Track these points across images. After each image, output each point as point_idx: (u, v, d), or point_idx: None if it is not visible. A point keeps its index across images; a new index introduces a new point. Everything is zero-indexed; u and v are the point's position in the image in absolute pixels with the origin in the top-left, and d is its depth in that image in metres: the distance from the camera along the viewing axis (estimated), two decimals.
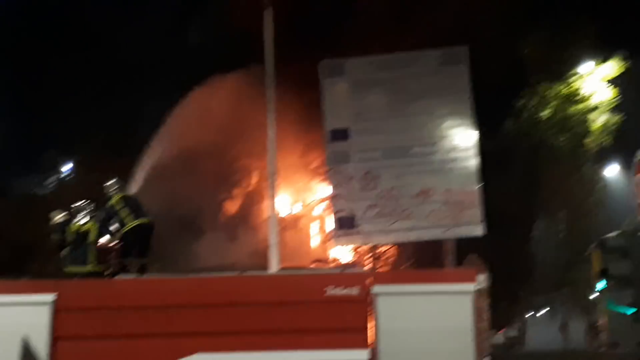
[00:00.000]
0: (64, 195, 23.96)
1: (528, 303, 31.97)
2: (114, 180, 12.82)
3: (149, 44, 28.58)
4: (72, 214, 12.24)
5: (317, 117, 17.43)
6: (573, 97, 27.61)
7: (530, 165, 26.97)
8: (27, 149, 28.69)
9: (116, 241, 12.20)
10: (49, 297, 9.59)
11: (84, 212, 12.15)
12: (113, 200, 12.35)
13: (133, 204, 12.43)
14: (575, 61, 27.87)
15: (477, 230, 15.44)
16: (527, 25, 27.08)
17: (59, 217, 12.38)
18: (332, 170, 16.30)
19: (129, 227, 12.10)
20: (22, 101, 30.29)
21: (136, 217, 12.20)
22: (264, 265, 14.30)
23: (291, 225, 25.07)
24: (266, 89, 15.41)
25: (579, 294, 28.96)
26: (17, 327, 9.46)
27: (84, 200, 12.42)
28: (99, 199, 12.79)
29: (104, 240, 12.09)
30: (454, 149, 16.02)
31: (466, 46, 16.52)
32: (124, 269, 11.74)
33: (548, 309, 34.70)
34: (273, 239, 14.39)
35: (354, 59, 17.41)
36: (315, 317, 9.56)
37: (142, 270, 11.87)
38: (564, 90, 27.60)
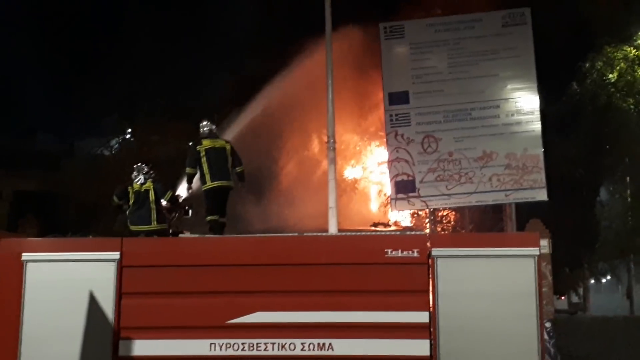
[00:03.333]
0: (127, 157, 24.47)
1: (592, 269, 31.36)
2: (206, 122, 12.56)
3: (212, 9, 28.70)
4: (136, 174, 12.35)
5: (377, 79, 17.32)
6: None
7: (595, 129, 26.24)
8: (91, 112, 29.24)
9: (179, 199, 12.35)
10: (115, 254, 9.82)
11: (145, 172, 12.28)
12: (201, 147, 12.11)
13: (218, 160, 12.14)
14: None
15: (540, 194, 15.23)
16: None
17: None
18: (392, 133, 16.20)
19: (209, 187, 12.00)
20: (86, 65, 30.85)
21: (215, 175, 12.02)
22: (323, 228, 14.34)
23: (351, 188, 25.05)
24: (325, 52, 15.28)
25: None
26: (85, 283, 9.72)
27: (144, 162, 12.49)
28: (158, 161, 12.89)
29: (166, 201, 12.18)
30: (517, 111, 15.77)
31: (529, 7, 16.13)
32: (214, 228, 11.79)
33: (612, 275, 34.04)
34: (332, 202, 14.40)
35: (414, 21, 17.21)
36: (375, 278, 9.55)
37: (220, 229, 11.93)
38: (631, 52, 26.63)
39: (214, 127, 12.56)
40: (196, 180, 12.18)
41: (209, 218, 11.95)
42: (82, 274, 9.77)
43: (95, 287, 9.72)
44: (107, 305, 9.68)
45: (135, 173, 12.28)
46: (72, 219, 24.68)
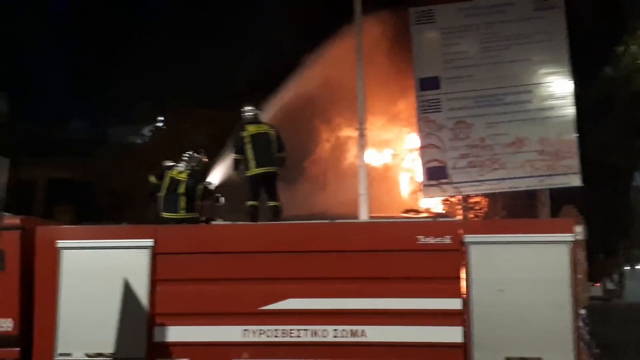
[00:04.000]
0: (159, 145, 24.66)
1: (627, 256, 30.97)
2: (249, 107, 12.55)
3: (245, 2, 28.68)
4: (177, 163, 12.43)
5: (408, 65, 17.19)
6: None
7: (630, 113, 25.82)
8: (123, 100, 29.50)
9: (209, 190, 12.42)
10: (149, 241, 9.92)
11: (187, 161, 12.37)
12: (246, 133, 12.12)
13: (262, 146, 12.16)
14: None
15: (574, 180, 15.04)
16: None
17: (169, 164, 12.59)
18: (423, 119, 16.10)
19: (254, 173, 11.99)
20: (118, 52, 31.07)
21: (259, 162, 12.00)
22: (354, 215, 14.31)
23: (381, 175, 24.97)
24: (356, 36, 15.21)
25: None
26: (120, 270, 9.86)
27: (191, 151, 12.55)
28: (191, 149, 12.93)
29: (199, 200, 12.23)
30: (549, 96, 15.56)
31: None
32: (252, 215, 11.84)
33: None
34: (363, 189, 14.37)
35: (444, 5, 17.02)
36: (407, 265, 9.56)
37: (275, 212, 11.94)
38: None
39: (258, 112, 12.60)
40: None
41: (249, 203, 11.92)
42: (116, 261, 9.92)
43: (130, 274, 9.86)
44: (142, 292, 9.82)
45: (183, 160, 12.36)
46: (106, 207, 24.94)
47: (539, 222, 12.72)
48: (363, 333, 9.49)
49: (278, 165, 12.29)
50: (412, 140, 23.11)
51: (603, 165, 24.76)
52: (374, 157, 25.08)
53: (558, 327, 9.18)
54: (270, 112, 18.47)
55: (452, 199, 21.89)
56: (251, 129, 12.18)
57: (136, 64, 28.87)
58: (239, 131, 12.23)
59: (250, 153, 11.99)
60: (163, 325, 9.74)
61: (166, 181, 12.11)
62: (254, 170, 11.96)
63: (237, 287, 9.73)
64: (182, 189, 11.97)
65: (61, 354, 9.82)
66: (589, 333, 10.16)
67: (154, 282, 9.85)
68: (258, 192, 12.06)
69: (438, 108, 16.09)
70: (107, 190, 25.48)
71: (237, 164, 12.19)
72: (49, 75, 33.85)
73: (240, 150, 12.07)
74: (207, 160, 12.87)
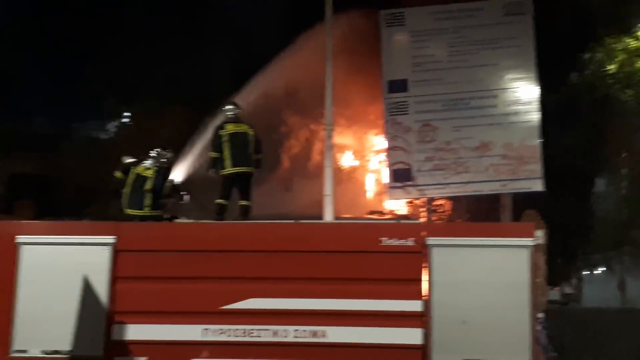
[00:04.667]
0: (124, 141, 24.44)
1: (586, 260, 31.43)
2: (231, 106, 12.45)
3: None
4: (141, 159, 12.31)
5: (377, 67, 17.24)
6: None
7: (593, 120, 26.19)
8: (90, 95, 29.19)
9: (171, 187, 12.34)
10: (110, 238, 9.82)
11: (154, 159, 12.24)
12: (224, 132, 12.07)
13: (239, 145, 12.10)
14: None
15: (537, 185, 15.24)
16: None
17: (129, 160, 12.46)
18: (390, 121, 16.17)
19: (229, 172, 11.94)
20: (85, 47, 30.74)
21: (235, 161, 11.99)
22: (319, 216, 14.32)
23: (347, 176, 25.03)
24: (325, 37, 15.20)
25: (639, 253, 28.33)
26: (80, 267, 9.73)
27: (159, 148, 12.44)
28: (157, 147, 12.83)
29: (166, 190, 12.15)
30: (515, 101, 15.75)
31: None
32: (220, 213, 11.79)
33: (606, 267, 34.14)
34: (328, 190, 14.37)
35: (414, 9, 17.12)
36: (370, 266, 9.58)
37: (244, 212, 11.93)
38: (631, 44, 26.54)
39: (239, 111, 12.53)
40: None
41: (218, 201, 11.88)
42: (77, 257, 9.79)
43: (90, 271, 9.74)
44: (102, 289, 9.71)
45: (151, 157, 12.22)
46: (69, 202, 24.66)
47: (500, 225, 12.86)
48: (323, 334, 9.49)
49: (254, 166, 12.27)
50: (379, 142, 23.26)
51: (566, 170, 25.13)
52: (340, 158, 25.16)
53: (516, 330, 9.27)
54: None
55: (417, 201, 22.06)
56: (230, 127, 12.15)
57: (103, 59, 28.59)
58: (218, 129, 12.16)
59: (227, 152, 11.94)
60: (122, 323, 9.63)
61: (131, 177, 11.99)
62: (229, 169, 11.93)
63: (198, 286, 9.66)
64: (148, 185, 11.86)
65: (17, 351, 9.67)
66: (546, 336, 10.30)
67: (114, 279, 9.74)
68: (229, 191, 12.04)
69: (405, 110, 16.18)
70: (70, 186, 25.19)
71: (214, 161, 12.13)
72: (11, 68, 33.31)
73: (218, 148, 12.01)
74: (174, 156, 12.76)
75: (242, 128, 12.26)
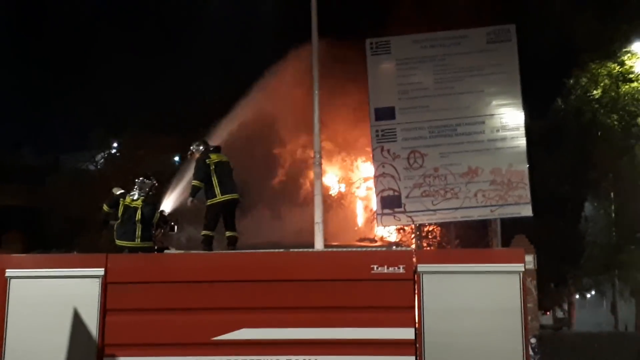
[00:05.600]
0: (112, 172, 24.37)
1: (576, 285, 31.48)
2: (198, 143, 12.50)
3: (197, 27, 28.74)
4: (136, 188, 12.26)
5: (364, 94, 17.36)
6: (625, 76, 26.89)
7: (580, 145, 26.43)
8: (77, 126, 29.21)
9: (163, 219, 12.29)
10: (99, 270, 9.76)
11: (139, 188, 12.21)
12: (211, 161, 12.05)
13: (225, 174, 12.12)
14: (627, 39, 27.12)
15: (525, 210, 15.32)
16: (577, 1, 26.47)
17: (119, 191, 12.42)
18: (378, 148, 16.25)
19: (220, 200, 11.96)
20: (71, 79, 30.79)
21: (225, 189, 11.97)
22: (309, 243, 14.32)
23: (337, 203, 25.06)
24: (312, 66, 15.32)
25: (629, 276, 28.43)
26: (69, 299, 9.64)
27: (142, 177, 12.40)
28: (149, 175, 12.81)
29: (155, 219, 12.11)
30: (502, 127, 15.89)
31: (514, 24, 16.28)
32: (207, 244, 11.80)
33: (596, 291, 34.19)
34: (319, 217, 14.39)
35: (400, 37, 17.31)
36: (361, 294, 9.53)
37: (233, 242, 11.94)
38: (615, 69, 26.87)
39: (205, 145, 12.61)
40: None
41: (206, 233, 11.91)
42: (66, 290, 9.70)
43: (80, 304, 9.66)
44: (92, 322, 9.62)
45: (136, 187, 12.20)
46: (58, 234, 24.51)
47: (490, 252, 12.85)
48: None
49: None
50: (368, 169, 23.34)
51: (554, 195, 25.28)
52: (329, 186, 25.21)
53: (509, 356, 9.24)
54: (222, 140, 18.46)
55: (407, 228, 22.11)
56: (214, 157, 12.20)
57: (91, 90, 28.64)
58: (204, 159, 12.18)
59: (215, 180, 11.97)
60: (113, 356, 9.53)
61: (120, 209, 11.95)
62: (219, 198, 11.94)
63: (189, 317, 9.59)
64: (138, 216, 11.82)
65: None
66: None
67: (104, 311, 9.66)
68: (217, 221, 12.04)
69: (393, 138, 16.29)
70: (59, 218, 25.04)
71: (196, 191, 12.14)
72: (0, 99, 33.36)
73: (203, 177, 12.03)
74: (158, 185, 12.73)
75: (224, 157, 12.39)
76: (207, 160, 12.09)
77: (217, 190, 11.94)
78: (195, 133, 22.82)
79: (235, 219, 12.24)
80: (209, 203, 12.03)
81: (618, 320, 29.93)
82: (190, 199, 12.13)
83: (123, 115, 27.14)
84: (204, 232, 11.98)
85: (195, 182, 12.12)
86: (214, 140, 18.80)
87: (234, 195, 12.08)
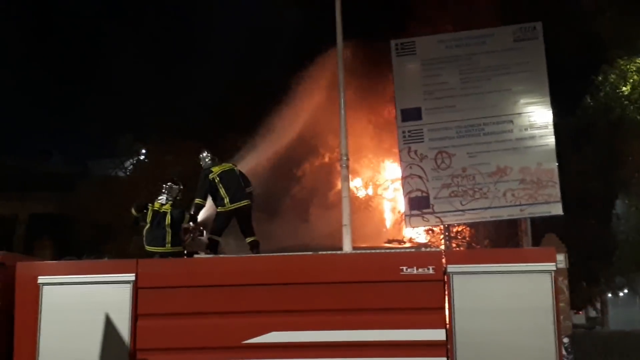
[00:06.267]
0: (141, 178, 24.56)
1: (609, 283, 31.06)
2: (207, 154, 12.64)
3: (223, 33, 28.91)
4: (164, 193, 12.34)
5: (390, 96, 17.30)
6: None
7: (610, 142, 26.10)
8: (105, 133, 29.46)
9: (193, 224, 12.35)
10: (130, 276, 9.84)
11: (167, 193, 12.28)
12: (213, 174, 12.19)
13: (233, 182, 12.25)
14: None
15: (556, 209, 15.13)
16: None
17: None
18: (405, 149, 16.18)
19: (231, 208, 12.08)
20: (99, 85, 31.09)
21: (234, 197, 12.10)
22: (337, 246, 14.29)
23: (364, 205, 25.01)
24: (337, 68, 15.29)
25: None
26: (101, 305, 9.75)
27: (169, 182, 12.49)
28: (176, 180, 12.90)
29: (185, 224, 12.19)
30: (530, 126, 15.72)
31: (540, 22, 16.13)
32: (213, 248, 11.89)
33: (629, 289, 33.75)
34: (346, 220, 14.34)
35: (425, 37, 17.23)
36: (391, 296, 9.52)
37: (255, 247, 12.06)
38: None
39: (212, 155, 12.69)
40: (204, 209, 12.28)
41: (213, 237, 12.03)
42: (97, 296, 9.81)
43: (111, 309, 9.76)
44: (123, 327, 9.71)
45: (163, 191, 12.29)
46: (87, 241, 24.76)
47: (521, 251, 12.77)
48: None
49: (250, 200, 12.38)
50: (396, 170, 23.25)
51: (584, 193, 25.00)
52: (357, 188, 25.16)
53: (542, 356, 9.16)
54: (253, 146, 18.51)
55: (436, 229, 21.99)
56: (216, 169, 12.32)
57: (118, 96, 28.91)
58: (205, 175, 12.25)
59: (223, 191, 12.07)
60: None
61: (149, 215, 12.02)
62: (229, 206, 12.02)
63: (220, 321, 9.65)
64: (167, 220, 11.89)
65: None
66: None
67: (135, 317, 9.74)
68: (225, 227, 12.20)
69: (420, 138, 16.20)
70: (89, 224, 25.29)
71: (199, 209, 12.24)
72: (28, 108, 33.73)
73: (204, 195, 12.16)
74: (185, 189, 12.80)
75: (227, 166, 12.52)
76: (210, 176, 12.17)
77: (226, 200, 12.06)
78: (223, 137, 22.97)
79: (252, 223, 12.32)
80: (219, 210, 12.15)
81: None
82: (193, 216, 12.19)
83: (150, 120, 27.37)
84: (209, 236, 12.08)
85: (197, 200, 12.27)
86: (244, 147, 18.94)
87: (243, 203, 12.18)
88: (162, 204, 12.08)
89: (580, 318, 36.42)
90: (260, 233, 12.81)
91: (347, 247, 14.04)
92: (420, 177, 15.94)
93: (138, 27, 31.75)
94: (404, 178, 16.24)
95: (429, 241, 22.22)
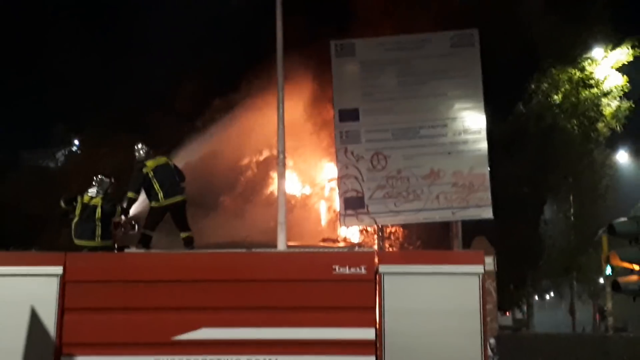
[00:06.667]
0: (73, 169, 24.09)
1: (535, 286, 31.94)
2: (142, 146, 12.43)
3: (160, 23, 28.53)
4: (94, 186, 12.11)
5: (329, 96, 17.39)
6: (585, 82, 27.45)
7: (540, 149, 26.85)
8: (37, 123, 28.78)
9: (125, 217, 12.16)
10: (58, 269, 9.65)
11: (97, 186, 12.07)
12: (147, 168, 11.99)
13: (167, 177, 12.08)
14: (587, 46, 27.69)
15: (486, 213, 15.40)
16: (539, 7, 26.92)
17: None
18: (341, 150, 16.26)
19: (165, 204, 11.92)
20: (33, 74, 30.33)
21: (168, 192, 11.95)
22: (272, 243, 14.32)
23: (300, 204, 25.10)
24: (276, 67, 15.30)
25: (587, 279, 28.97)
26: (26, 298, 9.53)
27: (100, 175, 12.28)
28: (107, 173, 12.73)
29: (116, 217, 12.00)
30: (464, 131, 15.96)
31: (477, 28, 16.42)
32: (145, 243, 11.76)
33: (555, 293, 34.76)
34: (282, 217, 14.38)
35: (365, 40, 17.35)
36: (323, 295, 9.58)
37: (189, 243, 11.95)
38: (575, 74, 27.40)
39: (148, 148, 12.51)
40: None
41: (146, 232, 11.88)
42: (24, 289, 9.59)
43: (38, 302, 9.55)
44: (49, 321, 9.51)
45: (94, 184, 12.05)
46: (17, 232, 24.15)
47: (451, 253, 12.99)
48: None
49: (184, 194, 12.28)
50: (332, 170, 23.40)
51: (514, 198, 25.63)
52: (293, 186, 25.22)
53: (467, 357, 9.35)
54: (189, 142, 18.39)
55: (369, 229, 22.23)
56: (151, 163, 12.11)
57: (52, 86, 28.29)
58: (139, 168, 12.07)
59: (157, 186, 11.90)
60: (71, 355, 9.44)
61: (78, 207, 11.80)
62: (163, 202, 11.87)
63: (149, 317, 9.53)
64: (97, 214, 11.69)
65: None
66: None
67: (62, 310, 9.55)
68: (158, 222, 12.04)
69: (357, 139, 16.27)
70: (18, 215, 24.67)
71: (131, 203, 12.08)
72: None
73: (138, 188, 11.97)
74: (116, 184, 12.60)
75: (162, 160, 12.33)
76: (143, 170, 12.00)
77: (160, 195, 11.90)
78: (159, 131, 22.71)
79: (187, 219, 12.20)
80: (152, 205, 11.97)
81: (576, 322, 30.43)
82: (125, 209, 12.02)
83: (85, 111, 26.86)
84: (142, 231, 11.93)
85: (130, 194, 12.06)
86: (181, 143, 18.79)
87: (178, 198, 12.06)
88: (92, 197, 11.87)
89: (507, 320, 37.33)
90: (195, 229, 12.73)
91: (281, 245, 14.07)
92: (356, 177, 16.03)
93: (75, 15, 31.11)
94: (340, 178, 16.32)
95: (363, 241, 22.45)
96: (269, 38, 15.90)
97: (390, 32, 20.78)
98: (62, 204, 11.98)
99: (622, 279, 9.67)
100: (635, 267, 9.43)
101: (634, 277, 9.46)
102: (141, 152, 12.34)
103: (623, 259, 9.75)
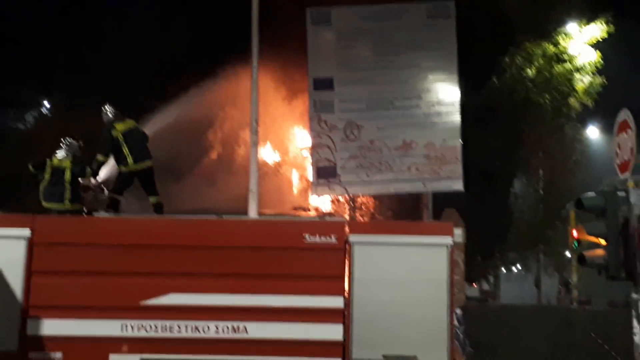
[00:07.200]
0: (43, 131, 23.76)
1: (503, 259, 32.39)
2: (110, 107, 12.19)
3: None
4: (62, 148, 11.95)
5: (303, 64, 17.26)
6: (558, 57, 27.61)
7: (512, 122, 27.04)
8: (6, 83, 28.23)
9: (94, 180, 12.03)
10: (25, 231, 9.56)
11: (67, 149, 11.92)
12: (117, 132, 11.85)
13: (137, 141, 11.96)
14: (562, 21, 27.80)
15: (457, 185, 15.52)
16: None
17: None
18: (315, 119, 16.22)
19: (135, 169, 11.83)
20: (4, 33, 29.70)
21: (137, 157, 11.85)
22: (243, 210, 14.28)
23: (272, 172, 25.04)
24: (251, 34, 15.13)
25: (553, 252, 29.43)
26: None
27: (69, 137, 12.11)
28: (78, 137, 12.57)
29: (85, 180, 11.88)
30: (437, 103, 15.99)
31: (453, 0, 16.37)
32: (114, 207, 11.67)
33: (522, 265, 35.26)
34: (253, 185, 14.34)
35: (340, 8, 17.20)
36: (293, 263, 9.63)
37: (159, 209, 11.88)
38: (549, 49, 27.53)
39: (116, 110, 12.33)
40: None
41: (114, 196, 11.82)
42: None
43: (5, 265, 9.47)
44: (16, 284, 9.45)
45: (62, 147, 11.90)
46: None
47: (420, 224, 13.10)
48: (245, 329, 9.50)
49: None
50: (305, 138, 23.33)
51: (485, 171, 25.86)
52: (266, 154, 25.13)
53: (434, 327, 9.48)
54: (163, 106, 18.19)
55: (341, 199, 22.28)
56: (120, 126, 11.96)
57: (22, 44, 27.74)
58: (109, 130, 11.91)
59: (126, 150, 11.78)
60: (38, 317, 9.40)
61: (47, 170, 11.65)
62: (133, 166, 11.78)
63: (117, 281, 9.52)
64: (67, 176, 11.56)
65: None
66: (463, 332, 10.59)
67: (29, 273, 9.49)
68: (127, 187, 11.99)
69: (330, 109, 16.23)
70: None
71: (99, 165, 11.95)
72: None
73: (108, 150, 11.83)
74: (84, 147, 12.43)
75: (131, 124, 12.19)
76: (113, 133, 11.85)
77: (129, 159, 11.79)
78: (131, 98, 22.43)
79: (156, 184, 12.15)
80: (121, 169, 11.87)
81: (541, 294, 30.94)
82: (92, 179, 11.89)
83: (56, 74, 26.43)
84: (111, 195, 11.85)
85: (99, 157, 11.92)
86: (156, 109, 18.56)
87: (147, 163, 11.99)
88: (61, 160, 11.73)
89: (474, 291, 37.88)
90: (164, 194, 12.65)
91: (252, 213, 14.05)
92: (328, 147, 16.02)
93: None
94: (313, 147, 16.31)
95: (334, 210, 22.50)
96: (244, 5, 15.71)
97: (367, 1, 20.63)
98: (31, 168, 11.83)
99: (588, 253, 9.78)
100: (602, 241, 9.55)
101: (600, 251, 9.57)
102: (109, 114, 12.14)
103: (589, 233, 9.87)
